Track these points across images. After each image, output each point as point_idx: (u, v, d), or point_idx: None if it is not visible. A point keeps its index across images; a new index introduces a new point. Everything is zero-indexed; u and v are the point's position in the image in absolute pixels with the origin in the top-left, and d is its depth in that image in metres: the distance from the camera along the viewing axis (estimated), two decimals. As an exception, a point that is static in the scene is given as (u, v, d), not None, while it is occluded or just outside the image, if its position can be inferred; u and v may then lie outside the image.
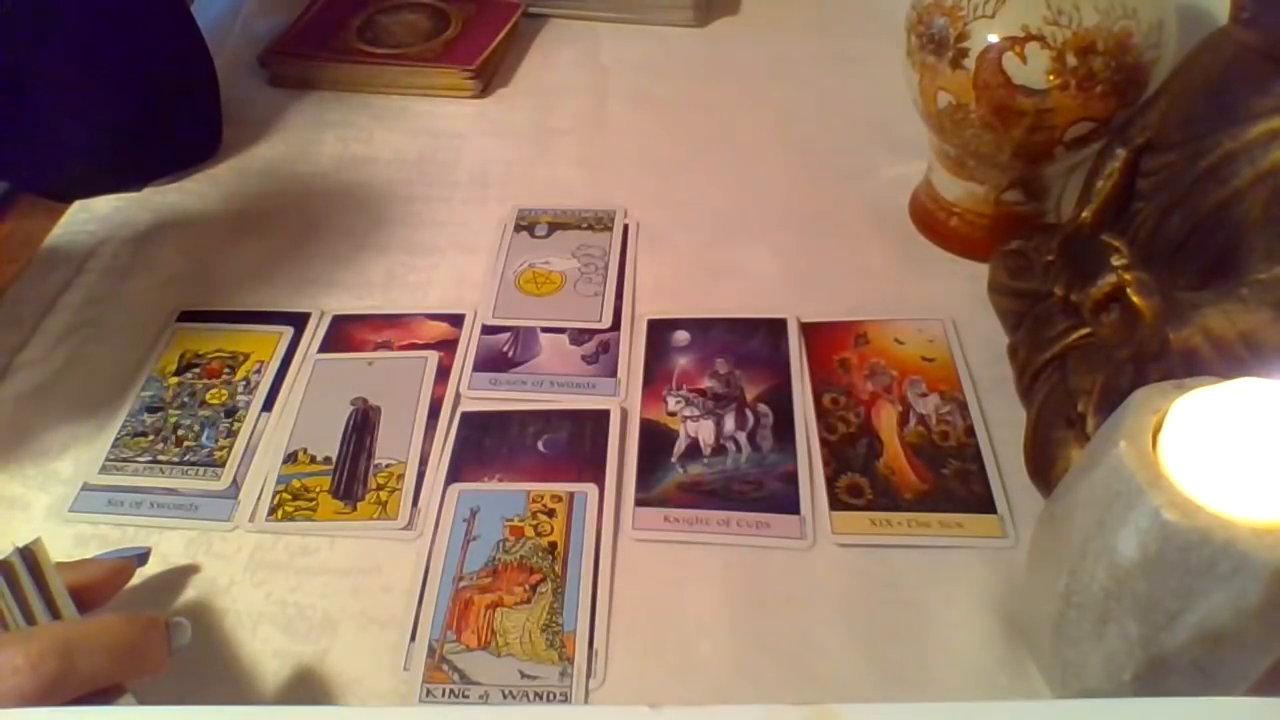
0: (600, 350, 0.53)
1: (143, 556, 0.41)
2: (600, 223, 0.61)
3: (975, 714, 0.28)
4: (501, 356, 0.53)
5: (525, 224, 0.61)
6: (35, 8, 0.55)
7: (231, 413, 0.50)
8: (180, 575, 0.43)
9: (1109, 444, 0.32)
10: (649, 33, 0.78)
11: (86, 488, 0.47)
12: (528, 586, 0.42)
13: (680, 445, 0.48)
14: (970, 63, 0.48)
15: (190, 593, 0.43)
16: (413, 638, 0.41)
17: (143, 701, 0.33)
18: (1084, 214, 0.48)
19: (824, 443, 0.47)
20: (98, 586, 0.37)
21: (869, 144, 0.66)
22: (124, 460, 0.48)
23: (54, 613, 0.35)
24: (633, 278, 0.57)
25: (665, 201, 0.62)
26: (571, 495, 0.45)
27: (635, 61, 0.75)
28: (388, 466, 0.47)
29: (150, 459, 0.48)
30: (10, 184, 0.63)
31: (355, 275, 0.58)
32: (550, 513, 0.45)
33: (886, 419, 0.48)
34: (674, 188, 0.63)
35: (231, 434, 0.49)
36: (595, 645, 0.40)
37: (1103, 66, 0.47)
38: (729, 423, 0.48)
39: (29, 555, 0.35)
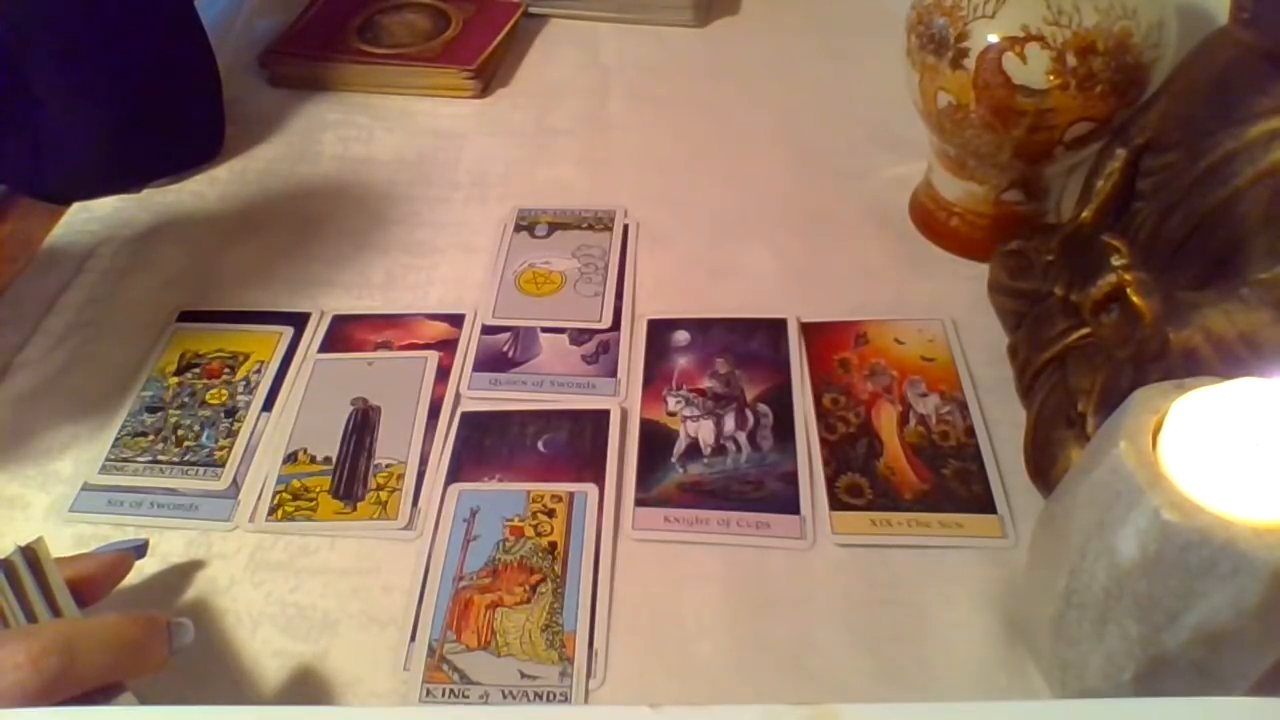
0: (600, 350, 0.53)
1: (140, 549, 0.41)
2: (600, 223, 0.61)
3: (975, 714, 0.28)
4: (501, 356, 0.53)
5: (525, 224, 0.61)
6: (37, 8, 0.55)
7: (231, 413, 0.50)
8: (180, 575, 0.43)
9: (1109, 444, 0.32)
10: (649, 33, 0.78)
11: (86, 488, 0.47)
12: (528, 586, 0.42)
13: (680, 445, 0.48)
14: (970, 63, 0.48)
15: (190, 593, 0.43)
16: (413, 638, 0.41)
17: (143, 700, 0.33)
18: (1084, 214, 0.48)
19: (824, 443, 0.47)
20: (96, 580, 0.37)
21: (869, 144, 0.65)
22: (124, 460, 0.48)
23: (55, 611, 0.35)
24: (633, 278, 0.57)
25: (665, 201, 0.62)
26: (571, 495, 0.45)
27: (635, 61, 0.75)
28: (388, 466, 0.47)
29: (150, 459, 0.48)
30: (10, 188, 0.63)
31: (355, 275, 0.58)
32: (550, 513, 0.45)
33: (886, 419, 0.48)
34: (674, 188, 0.63)
35: (231, 434, 0.49)
36: (595, 645, 0.40)
37: (1103, 66, 0.47)
38: (729, 423, 0.48)
39: (30, 554, 0.35)
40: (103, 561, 0.38)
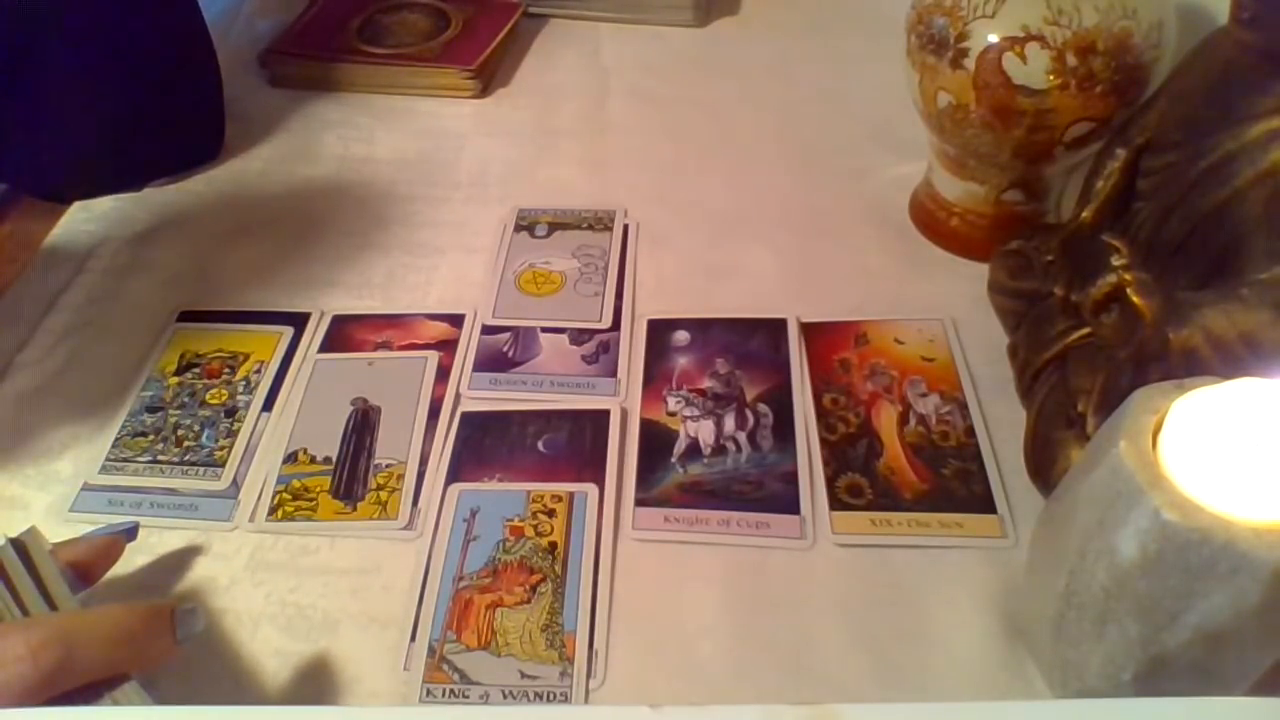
0: (600, 350, 0.53)
1: (131, 531, 0.40)
2: (600, 223, 0.61)
3: (975, 714, 0.28)
4: (501, 356, 0.53)
5: (525, 224, 0.61)
6: (38, 8, 0.55)
7: (231, 413, 0.50)
8: (180, 575, 0.43)
9: (1109, 444, 0.32)
10: (649, 33, 0.78)
11: (86, 488, 0.47)
12: (528, 586, 0.42)
13: (680, 445, 0.48)
14: (970, 63, 0.48)
15: (190, 593, 0.43)
16: (413, 638, 0.41)
17: (149, 689, 0.32)
18: (1084, 214, 0.48)
19: (824, 443, 0.47)
20: (89, 565, 0.38)
21: (869, 144, 0.66)
22: (124, 460, 0.48)
23: (50, 602, 0.35)
24: (633, 278, 0.57)
25: (665, 201, 0.62)
26: (571, 495, 0.45)
27: (635, 61, 0.75)
28: (388, 466, 0.47)
29: (150, 459, 0.48)
30: (11, 186, 0.63)
31: (355, 275, 0.58)
32: (550, 513, 0.45)
33: (886, 419, 0.48)
34: (674, 188, 0.63)
35: (231, 434, 0.49)
36: (595, 645, 0.40)
37: (1103, 66, 0.47)
38: (729, 423, 0.48)
39: (21, 546, 0.35)
40: (94, 546, 0.38)
